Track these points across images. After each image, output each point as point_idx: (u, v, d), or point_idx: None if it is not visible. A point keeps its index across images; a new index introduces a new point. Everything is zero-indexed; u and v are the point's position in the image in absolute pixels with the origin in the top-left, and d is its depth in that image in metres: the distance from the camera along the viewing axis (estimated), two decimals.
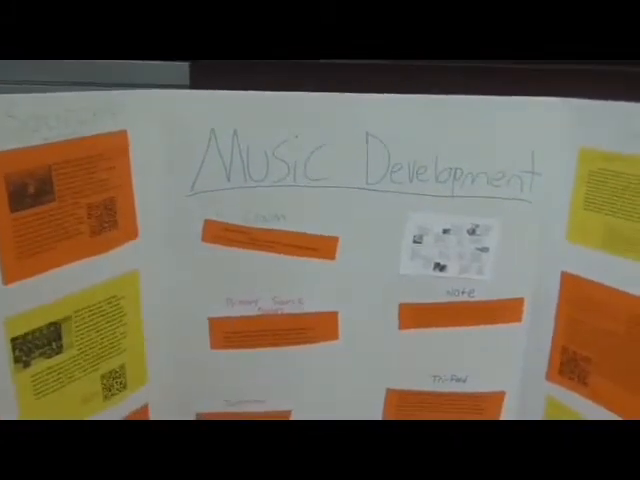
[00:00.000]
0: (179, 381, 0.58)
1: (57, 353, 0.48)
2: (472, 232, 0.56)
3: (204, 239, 0.55)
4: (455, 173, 0.54)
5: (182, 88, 0.67)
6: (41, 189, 0.45)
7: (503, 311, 0.58)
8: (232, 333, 0.58)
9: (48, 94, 0.45)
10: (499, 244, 0.56)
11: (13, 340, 0.45)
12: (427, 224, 0.56)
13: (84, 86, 0.71)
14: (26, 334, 0.46)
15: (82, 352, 0.50)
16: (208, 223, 0.54)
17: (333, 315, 0.58)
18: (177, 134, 0.52)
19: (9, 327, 0.45)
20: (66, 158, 0.46)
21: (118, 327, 0.52)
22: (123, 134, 0.49)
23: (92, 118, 0.47)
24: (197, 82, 0.67)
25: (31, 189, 0.44)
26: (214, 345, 0.58)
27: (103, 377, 0.52)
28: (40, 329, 0.47)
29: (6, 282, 0.44)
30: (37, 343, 0.47)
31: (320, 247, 0.56)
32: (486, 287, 0.57)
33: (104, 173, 0.49)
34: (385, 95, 0.52)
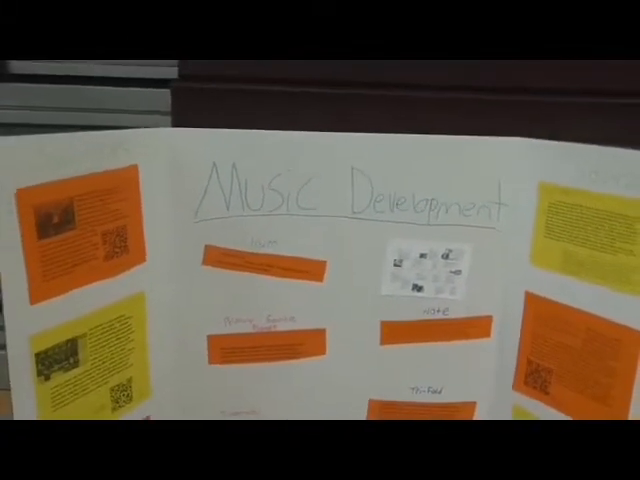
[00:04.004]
0: (179, 394, 0.62)
1: (73, 367, 0.53)
2: (446, 256, 0.62)
3: (205, 263, 0.60)
4: (431, 204, 0.60)
5: (164, 115, 0.72)
6: (64, 218, 0.50)
7: (474, 328, 0.64)
8: (229, 349, 0.63)
9: (72, 134, 0.50)
10: (470, 267, 0.62)
11: (37, 355, 0.50)
12: (406, 249, 0.62)
13: (70, 111, 0.76)
14: (47, 350, 0.51)
15: (95, 366, 0.55)
16: (209, 248, 0.60)
17: (321, 332, 0.63)
18: (182, 168, 0.57)
19: (34, 343, 0.50)
20: (85, 191, 0.51)
21: (126, 344, 0.57)
22: (134, 168, 0.54)
23: (109, 154, 0.52)
24: (178, 109, 0.72)
25: (55, 219, 0.49)
26: (212, 360, 0.63)
27: (112, 390, 0.57)
28: (59, 345, 0.51)
29: (32, 302, 0.49)
30: (57, 358, 0.51)
31: (310, 270, 0.61)
32: (459, 306, 0.63)
33: (117, 204, 0.54)
34: (369, 134, 0.58)
